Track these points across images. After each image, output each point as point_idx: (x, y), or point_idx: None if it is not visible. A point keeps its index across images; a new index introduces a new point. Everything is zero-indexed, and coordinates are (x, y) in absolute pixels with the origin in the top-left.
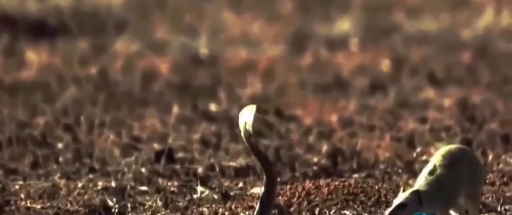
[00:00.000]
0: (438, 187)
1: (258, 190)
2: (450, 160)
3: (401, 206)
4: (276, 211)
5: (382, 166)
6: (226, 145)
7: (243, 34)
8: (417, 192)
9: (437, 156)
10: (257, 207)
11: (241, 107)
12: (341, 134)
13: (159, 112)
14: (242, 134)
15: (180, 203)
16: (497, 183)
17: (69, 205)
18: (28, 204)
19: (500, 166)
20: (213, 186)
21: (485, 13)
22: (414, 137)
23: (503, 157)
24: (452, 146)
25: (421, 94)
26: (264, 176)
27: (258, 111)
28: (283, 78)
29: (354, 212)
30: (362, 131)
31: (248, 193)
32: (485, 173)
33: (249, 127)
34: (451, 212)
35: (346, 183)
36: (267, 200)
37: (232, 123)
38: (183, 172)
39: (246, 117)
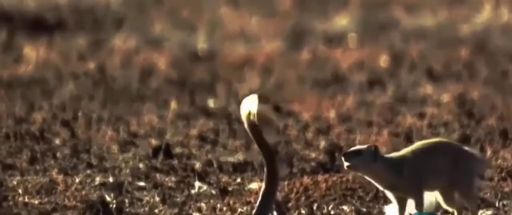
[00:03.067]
0: (401, 165)
1: (256, 185)
2: (424, 149)
3: (356, 152)
4: (274, 206)
5: None
6: (224, 140)
7: (241, 30)
8: (374, 147)
9: (414, 145)
10: (258, 201)
11: (239, 103)
12: (339, 130)
13: (157, 108)
14: (245, 124)
15: (178, 199)
16: (496, 179)
17: (66, 200)
18: (26, 200)
19: (499, 161)
20: (211, 181)
21: (483, 9)
22: (412, 132)
23: (501, 152)
24: (434, 140)
25: (419, 90)
26: (265, 169)
27: (260, 100)
28: (281, 74)
29: (352, 208)
30: (360, 127)
31: (246, 189)
32: (478, 166)
33: (254, 117)
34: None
35: (344, 179)
36: (268, 193)
37: (230, 118)
38: (181, 168)
39: (249, 107)
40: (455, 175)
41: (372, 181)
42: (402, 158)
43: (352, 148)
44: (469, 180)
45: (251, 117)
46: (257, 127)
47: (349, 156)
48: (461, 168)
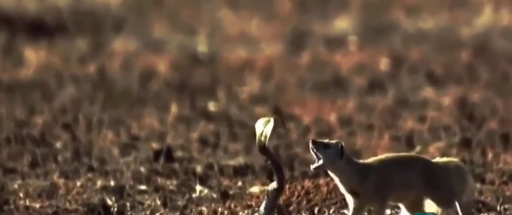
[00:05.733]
0: (366, 171)
1: (257, 189)
2: (393, 161)
3: (326, 145)
4: (276, 210)
5: None
6: (225, 144)
7: (241, 32)
8: (341, 144)
9: (384, 155)
10: (264, 203)
11: (239, 106)
12: (340, 133)
13: (157, 111)
14: (257, 142)
15: (179, 202)
16: (497, 182)
17: (68, 204)
18: (27, 203)
19: (500, 165)
20: (212, 185)
21: (483, 12)
22: (413, 136)
23: (502, 156)
24: (404, 154)
25: (420, 93)
26: (275, 178)
27: (276, 123)
28: (281, 77)
29: None
30: (361, 130)
31: (247, 192)
32: (453, 179)
33: (265, 139)
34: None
35: None
36: (273, 200)
37: (231, 121)
38: (182, 171)
39: (264, 129)
40: (429, 190)
41: (337, 182)
42: (369, 165)
43: (322, 140)
44: (446, 194)
45: (262, 138)
46: (267, 148)
47: (317, 144)
48: (433, 184)
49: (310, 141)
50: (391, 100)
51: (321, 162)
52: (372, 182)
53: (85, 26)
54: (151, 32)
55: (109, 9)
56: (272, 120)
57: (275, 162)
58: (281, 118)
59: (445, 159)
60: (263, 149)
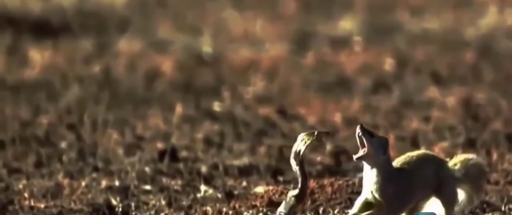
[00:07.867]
0: (396, 176)
1: (262, 189)
2: (410, 165)
3: (371, 134)
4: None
5: None
6: (229, 144)
7: (246, 33)
8: (387, 140)
9: (399, 160)
10: (282, 206)
11: (244, 106)
12: (344, 133)
13: (162, 111)
14: (293, 149)
15: (184, 202)
16: (501, 182)
17: (72, 204)
18: (32, 203)
19: (504, 165)
20: (217, 185)
21: (488, 12)
22: (418, 136)
23: (507, 156)
24: (416, 152)
25: (425, 94)
26: (299, 186)
27: (318, 138)
28: (286, 77)
29: None
30: None
31: (251, 192)
32: (456, 178)
33: (303, 146)
34: None
35: (350, 182)
36: (292, 206)
37: (236, 121)
38: (187, 171)
39: (305, 138)
40: (437, 192)
41: (366, 180)
42: (394, 171)
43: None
44: (454, 196)
45: (300, 146)
46: (301, 157)
47: (365, 129)
48: (443, 186)
49: (359, 126)
50: (395, 100)
51: (365, 150)
52: (392, 192)
53: (90, 26)
54: (155, 33)
55: (114, 9)
56: (316, 132)
57: (303, 172)
58: (326, 131)
59: (463, 157)
60: (297, 156)
